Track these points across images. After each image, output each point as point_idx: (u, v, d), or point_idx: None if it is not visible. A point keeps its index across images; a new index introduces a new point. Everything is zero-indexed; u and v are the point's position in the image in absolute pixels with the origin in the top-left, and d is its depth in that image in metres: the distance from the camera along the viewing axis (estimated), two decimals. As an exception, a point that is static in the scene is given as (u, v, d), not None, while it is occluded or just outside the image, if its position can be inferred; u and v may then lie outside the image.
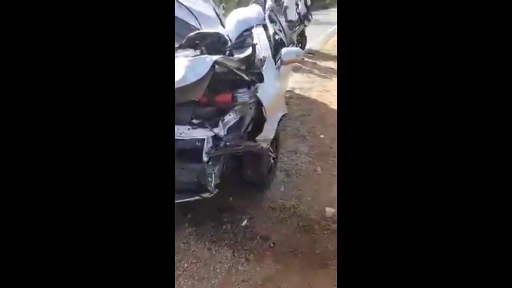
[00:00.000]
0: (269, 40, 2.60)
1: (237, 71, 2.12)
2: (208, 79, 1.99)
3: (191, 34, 2.41)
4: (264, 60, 2.32)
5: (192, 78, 1.92)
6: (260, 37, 2.57)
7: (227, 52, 2.51)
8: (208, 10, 3.59)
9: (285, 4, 6.45)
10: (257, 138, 2.00)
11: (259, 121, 2.03)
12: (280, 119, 2.38)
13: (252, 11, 3.07)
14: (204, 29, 3.09)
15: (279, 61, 2.54)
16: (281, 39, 3.25)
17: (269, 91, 2.17)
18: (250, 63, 2.25)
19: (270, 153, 2.34)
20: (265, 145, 2.07)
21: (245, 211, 2.19)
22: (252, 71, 2.25)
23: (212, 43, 2.42)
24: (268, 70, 2.29)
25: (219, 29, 3.01)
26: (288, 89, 4.70)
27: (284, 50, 2.52)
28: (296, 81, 5.23)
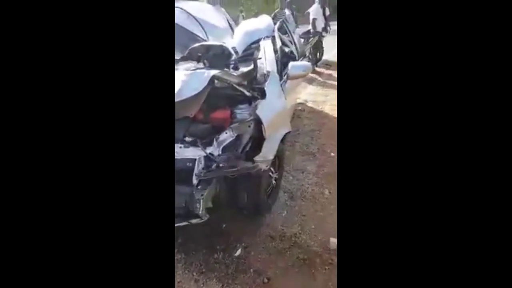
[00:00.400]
0: (276, 54, 2.45)
1: (237, 87, 1.98)
2: (204, 94, 1.86)
3: (194, 46, 2.30)
4: (268, 75, 2.16)
5: (188, 93, 1.79)
6: (266, 50, 2.42)
7: (231, 65, 2.38)
8: (220, 20, 3.50)
9: (311, 16, 6.27)
10: (255, 158, 1.83)
11: (258, 140, 1.86)
12: (284, 137, 2.21)
13: (261, 22, 2.94)
14: (212, 41, 2.99)
15: (286, 75, 2.38)
16: (291, 52, 3.10)
17: (271, 107, 2.01)
18: (252, 78, 2.10)
19: (271, 174, 2.16)
20: (264, 166, 1.90)
21: (240, 239, 2.01)
22: (254, 86, 2.10)
23: (215, 56, 2.30)
24: (271, 86, 2.13)
25: (229, 41, 2.90)
26: (300, 101, 4.53)
27: (291, 65, 2.36)
28: (309, 93, 5.04)
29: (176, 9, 2.95)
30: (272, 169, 2.14)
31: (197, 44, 2.31)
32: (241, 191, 1.94)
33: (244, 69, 2.28)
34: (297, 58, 3.10)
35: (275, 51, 2.46)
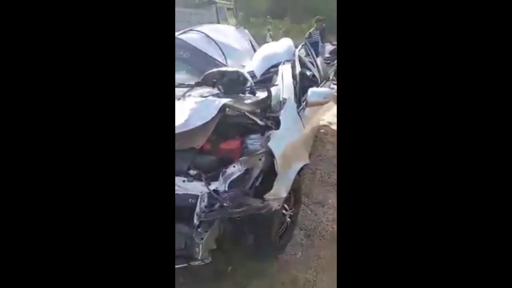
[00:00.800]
0: (294, 79, 2.30)
1: (249, 115, 1.84)
2: (213, 124, 1.74)
3: (209, 71, 2.22)
4: (284, 103, 2.01)
5: (196, 122, 1.68)
6: (284, 76, 2.29)
7: (247, 91, 2.26)
8: (242, 43, 3.45)
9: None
10: (266, 196, 1.66)
11: (269, 175, 1.69)
12: (302, 169, 2.03)
13: (281, 45, 2.83)
14: (231, 64, 2.92)
15: (305, 102, 2.22)
16: (313, 75, 2.94)
17: (285, 138, 1.84)
18: (266, 106, 1.96)
19: (284, 212, 1.96)
20: (276, 205, 1.71)
21: (247, 283, 1.81)
22: (268, 115, 1.96)
23: (230, 82, 2.20)
24: (287, 114, 1.97)
25: (249, 64, 2.82)
26: (323, 123, 4.30)
27: (310, 91, 2.20)
28: (334, 115, 4.81)
29: (196, 33, 2.93)
30: (286, 206, 1.95)
31: (212, 70, 2.23)
32: (249, 233, 1.76)
33: (259, 95, 2.15)
34: (319, 81, 2.93)
35: (294, 77, 2.32)
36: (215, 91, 2.22)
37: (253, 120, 1.84)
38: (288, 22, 13.77)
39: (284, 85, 2.17)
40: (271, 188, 1.65)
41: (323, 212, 2.50)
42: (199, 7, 10.06)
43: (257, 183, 1.70)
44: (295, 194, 2.07)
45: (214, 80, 2.21)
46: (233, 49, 3.08)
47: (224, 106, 1.74)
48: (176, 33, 2.81)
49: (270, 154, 1.68)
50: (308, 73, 2.99)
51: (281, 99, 2.03)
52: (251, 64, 2.76)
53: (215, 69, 2.23)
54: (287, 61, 2.58)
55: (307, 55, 3.06)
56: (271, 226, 1.76)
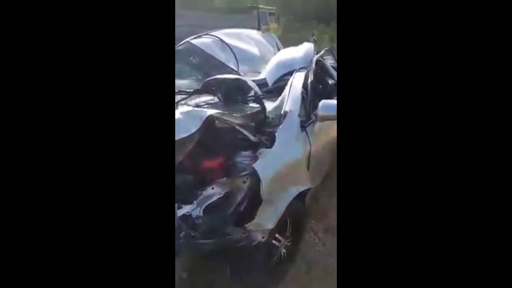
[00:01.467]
0: (305, 89, 2.02)
1: (241, 129, 1.62)
2: (195, 138, 1.55)
3: (208, 79, 2.05)
4: (285, 116, 1.76)
5: (178, 135, 1.51)
6: (293, 85, 2.02)
7: (250, 101, 2.05)
8: (265, 48, 3.24)
9: None
10: (247, 226, 1.42)
11: (251, 202, 1.45)
12: (305, 194, 1.75)
13: (299, 51, 2.56)
14: (244, 71, 2.72)
15: (315, 116, 1.93)
16: (335, 84, 2.62)
17: (280, 158, 1.58)
18: (261, 119, 1.72)
19: (276, 243, 1.69)
20: (259, 237, 1.46)
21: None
22: (265, 129, 1.72)
23: (229, 90, 2.00)
24: (287, 129, 1.71)
25: (264, 71, 2.61)
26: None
27: (322, 103, 1.91)
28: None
29: (210, 37, 2.79)
30: (279, 237, 1.68)
31: (210, 78, 2.05)
32: (224, 266, 1.53)
33: (268, 105, 1.92)
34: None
35: (304, 86, 2.04)
36: (216, 100, 2.04)
37: (244, 135, 1.62)
38: (335, 27, 13.24)
39: (289, 95, 1.91)
40: (252, 218, 1.41)
41: (331, 240, 2.16)
42: (241, 12, 10.11)
43: (241, 209, 1.47)
44: (293, 223, 1.79)
45: (213, 88, 2.03)
46: (250, 55, 2.89)
47: (211, 118, 1.55)
48: (189, 38, 2.70)
49: (255, 177, 1.45)
50: (330, 81, 2.68)
51: (282, 112, 1.78)
52: (265, 71, 2.54)
53: (215, 76, 2.05)
54: (303, 68, 2.31)
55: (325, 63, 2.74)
56: (252, 259, 1.51)
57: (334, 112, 1.91)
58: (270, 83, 2.39)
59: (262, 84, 2.47)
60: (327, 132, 2.17)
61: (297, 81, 2.07)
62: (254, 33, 3.55)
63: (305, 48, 2.62)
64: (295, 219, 1.78)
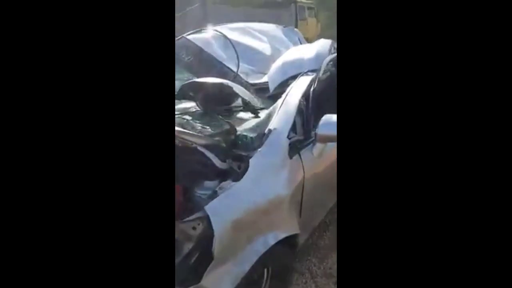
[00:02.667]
0: (305, 100, 1.58)
1: (205, 152, 1.25)
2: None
3: (185, 82, 1.69)
4: (268, 136, 1.34)
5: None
6: (291, 94, 1.59)
7: (236, 110, 1.66)
8: (285, 45, 2.81)
9: None
10: None
11: (201, 257, 1.07)
12: (295, 238, 1.33)
13: (311, 49, 2.09)
14: (246, 71, 2.33)
15: (315, 136, 1.48)
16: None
17: (250, 195, 1.18)
18: (233, 140, 1.32)
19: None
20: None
21: None
22: (239, 153, 1.32)
23: (208, 97, 1.62)
24: (268, 154, 1.30)
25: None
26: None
27: (323, 120, 1.46)
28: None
29: (212, 32, 2.43)
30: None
31: (190, 80, 1.69)
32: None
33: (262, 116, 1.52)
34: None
35: (305, 95, 1.59)
36: (194, 107, 1.68)
37: (209, 159, 1.24)
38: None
39: (282, 107, 1.48)
40: (199, 279, 1.03)
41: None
42: (277, 6, 9.65)
43: (188, 265, 1.09)
44: (273, 273, 1.37)
45: (191, 93, 1.67)
46: (258, 54, 2.48)
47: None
48: (186, 33, 2.37)
49: (207, 224, 1.06)
50: None
51: (266, 131, 1.36)
52: (268, 74, 2.13)
53: (192, 80, 1.69)
54: (312, 71, 1.85)
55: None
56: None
57: (336, 132, 1.45)
58: (271, 88, 1.97)
59: (263, 89, 2.06)
60: (333, 155, 1.70)
61: (297, 89, 1.63)
62: (272, 28, 3.11)
63: (320, 45, 2.13)
64: (274, 271, 1.37)
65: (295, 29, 3.41)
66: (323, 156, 1.57)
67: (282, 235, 1.26)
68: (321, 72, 1.78)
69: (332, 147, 1.63)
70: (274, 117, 1.44)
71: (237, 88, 1.63)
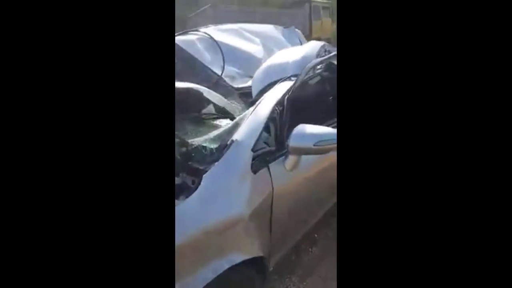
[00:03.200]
0: (280, 108, 1.45)
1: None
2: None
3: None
4: (228, 148, 1.23)
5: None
6: (265, 101, 1.47)
7: (209, 118, 1.55)
8: (283, 47, 2.69)
9: None
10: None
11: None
12: (261, 261, 1.21)
13: (298, 52, 1.95)
14: (233, 74, 2.23)
15: (287, 148, 1.35)
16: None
17: (201, 215, 1.07)
18: (185, 152, 1.21)
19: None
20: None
21: None
22: (195, 166, 1.21)
23: (177, 103, 1.52)
24: (227, 168, 1.18)
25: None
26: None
27: (296, 131, 1.33)
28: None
29: (198, 34, 2.34)
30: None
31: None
32: None
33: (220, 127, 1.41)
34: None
35: (280, 103, 1.46)
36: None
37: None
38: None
39: (250, 117, 1.36)
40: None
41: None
42: (291, 6, 9.49)
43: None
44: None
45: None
46: (248, 56, 2.37)
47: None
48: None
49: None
50: (331, 98, 2.03)
51: (228, 142, 1.25)
52: (253, 79, 2.01)
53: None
54: (293, 76, 1.72)
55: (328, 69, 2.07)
56: None
57: (310, 144, 1.31)
58: (254, 93, 1.84)
59: (248, 93, 1.95)
60: (312, 168, 1.56)
61: (272, 96, 1.51)
62: (269, 29, 2.99)
63: (309, 48, 1.99)
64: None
65: (296, 29, 3.26)
66: (299, 169, 1.43)
67: (238, 259, 1.14)
68: (303, 77, 1.64)
69: (310, 160, 1.49)
70: (241, 126, 1.33)
71: (209, 94, 1.52)
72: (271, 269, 1.46)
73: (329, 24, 9.76)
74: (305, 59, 1.82)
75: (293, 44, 2.93)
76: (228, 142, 1.24)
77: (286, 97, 1.48)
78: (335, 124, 1.82)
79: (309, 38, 9.21)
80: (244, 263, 1.17)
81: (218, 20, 3.44)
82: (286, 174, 1.39)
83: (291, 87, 1.55)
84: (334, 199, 1.93)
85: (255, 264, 1.26)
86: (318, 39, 9.32)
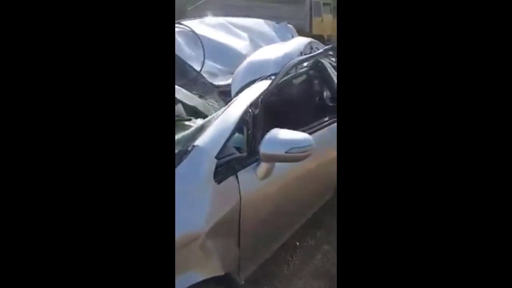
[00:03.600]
0: (254, 109, 1.32)
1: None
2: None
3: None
4: (186, 156, 1.10)
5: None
6: (237, 103, 1.34)
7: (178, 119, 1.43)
8: (273, 43, 2.56)
9: None
10: None
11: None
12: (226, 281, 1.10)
13: (280, 49, 1.81)
14: (217, 72, 2.10)
15: (260, 155, 1.23)
16: (331, 98, 1.83)
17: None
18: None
19: None
20: None
21: None
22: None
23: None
24: (181, 178, 1.05)
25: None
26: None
27: (269, 135, 1.20)
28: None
29: (179, 28, 2.21)
30: None
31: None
32: None
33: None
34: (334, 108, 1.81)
35: (254, 104, 1.33)
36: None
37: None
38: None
39: (218, 120, 1.24)
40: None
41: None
42: (292, 2, 9.31)
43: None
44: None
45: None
46: (232, 52, 2.24)
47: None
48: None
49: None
50: (326, 93, 1.90)
51: (189, 147, 1.12)
52: (233, 75, 1.88)
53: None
54: (275, 75, 1.59)
55: (332, 66, 1.93)
56: None
57: (282, 151, 1.19)
58: (233, 92, 1.71)
59: (228, 92, 1.82)
60: (288, 174, 1.43)
61: (245, 97, 1.38)
62: (259, 24, 2.86)
63: (293, 45, 1.86)
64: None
65: (289, 25, 3.12)
66: (273, 177, 1.31)
67: (197, 279, 1.03)
68: (281, 76, 1.51)
69: (286, 167, 1.37)
70: (206, 130, 1.20)
71: (178, 92, 1.40)
72: (242, 282, 1.35)
73: (330, 21, 9.57)
74: (287, 57, 1.69)
75: (284, 40, 2.79)
76: (189, 148, 1.12)
77: (260, 99, 1.35)
78: (321, 126, 1.70)
79: (309, 34, 9.01)
80: (213, 279, 1.06)
81: (217, 13, 3.32)
82: (257, 183, 1.26)
83: (267, 88, 1.42)
84: (314, 207, 1.82)
85: (223, 279, 1.15)
86: (319, 36, 9.15)
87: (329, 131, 1.71)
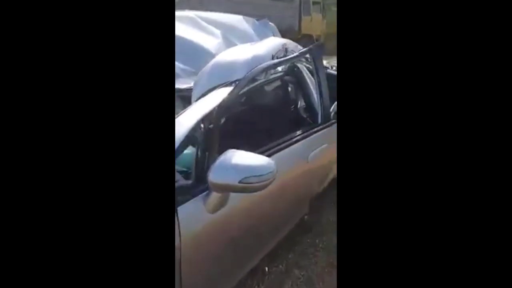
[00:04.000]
0: (207, 126, 1.08)
1: None
2: None
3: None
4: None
5: None
6: (186, 115, 1.10)
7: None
8: (252, 41, 2.31)
9: None
10: None
11: None
12: None
13: (252, 51, 1.56)
14: (180, 74, 1.84)
15: (208, 183, 0.99)
16: (305, 109, 1.60)
17: None
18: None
19: None
20: None
21: None
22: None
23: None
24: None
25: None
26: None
27: (220, 160, 0.97)
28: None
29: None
30: None
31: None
32: None
33: None
34: (319, 121, 1.58)
35: (208, 119, 1.09)
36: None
37: None
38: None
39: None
40: None
41: None
42: (280, 0, 9.09)
43: None
44: None
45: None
46: (201, 51, 1.98)
47: None
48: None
49: None
50: (292, 107, 1.67)
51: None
52: (196, 79, 1.62)
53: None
54: (243, 79, 1.34)
55: (309, 71, 1.70)
56: None
57: (234, 180, 0.95)
58: (194, 98, 1.46)
59: (186, 98, 1.57)
60: (249, 197, 1.19)
61: (198, 108, 1.13)
62: (236, 20, 2.60)
63: (265, 46, 1.61)
64: None
65: (270, 23, 2.88)
66: (226, 208, 1.07)
67: None
68: (244, 83, 1.27)
69: (241, 195, 1.13)
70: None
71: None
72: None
73: (319, 21, 9.39)
74: (256, 59, 1.44)
75: (264, 38, 2.55)
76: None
77: (215, 111, 1.11)
78: (296, 139, 1.48)
79: (298, 34, 8.76)
80: None
81: (204, 8, 3.06)
82: (203, 218, 1.03)
83: (226, 96, 1.18)
84: (287, 227, 1.60)
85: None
86: (308, 36, 8.93)
87: (303, 145, 1.49)
